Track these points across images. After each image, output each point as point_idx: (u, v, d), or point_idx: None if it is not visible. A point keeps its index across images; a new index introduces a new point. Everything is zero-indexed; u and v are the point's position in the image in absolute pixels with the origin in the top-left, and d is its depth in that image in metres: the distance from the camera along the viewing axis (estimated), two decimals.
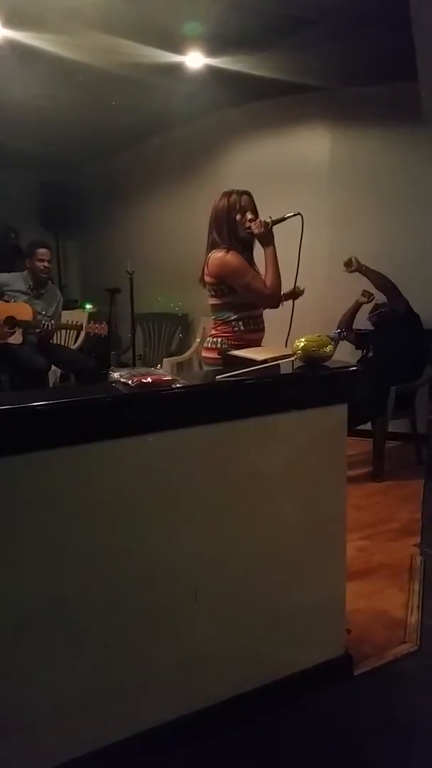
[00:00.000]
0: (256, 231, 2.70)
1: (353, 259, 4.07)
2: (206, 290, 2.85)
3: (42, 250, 4.45)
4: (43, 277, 4.50)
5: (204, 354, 2.93)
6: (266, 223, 2.70)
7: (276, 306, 2.80)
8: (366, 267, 4.06)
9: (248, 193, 2.76)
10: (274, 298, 2.76)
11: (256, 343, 2.84)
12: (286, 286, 2.85)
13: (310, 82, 4.29)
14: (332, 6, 3.15)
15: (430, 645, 2.25)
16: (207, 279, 2.79)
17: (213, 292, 2.80)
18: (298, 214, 2.65)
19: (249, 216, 2.72)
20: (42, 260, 4.44)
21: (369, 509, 3.48)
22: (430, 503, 3.48)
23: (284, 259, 2.76)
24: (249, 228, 2.72)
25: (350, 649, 2.12)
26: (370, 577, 2.73)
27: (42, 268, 4.45)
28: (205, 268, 2.78)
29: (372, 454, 4.02)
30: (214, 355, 2.80)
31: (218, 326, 2.85)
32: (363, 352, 4.29)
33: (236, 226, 2.72)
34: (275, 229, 2.73)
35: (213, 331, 2.89)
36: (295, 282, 2.88)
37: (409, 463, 4.22)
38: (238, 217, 2.72)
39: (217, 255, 2.72)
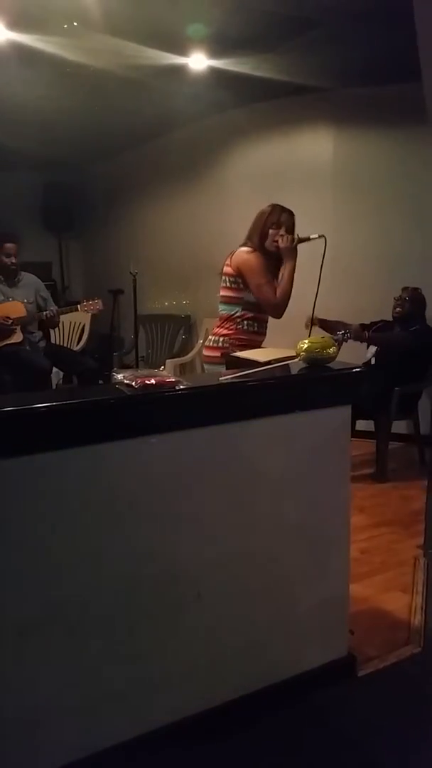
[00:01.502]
0: (281, 245, 2.83)
1: (309, 319, 3.57)
2: (222, 282, 2.92)
3: (7, 245, 4.34)
4: (11, 270, 4.39)
5: (205, 353, 2.95)
6: (292, 239, 2.83)
7: (278, 317, 2.89)
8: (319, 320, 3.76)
9: (291, 213, 2.88)
10: (279, 308, 2.85)
11: (258, 345, 2.86)
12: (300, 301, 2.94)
13: (313, 84, 4.29)
14: (335, 7, 3.15)
15: None
16: (227, 269, 2.89)
17: (230, 284, 2.87)
18: (323, 236, 2.80)
19: (281, 232, 2.84)
20: (9, 255, 4.34)
21: (372, 510, 3.48)
22: None
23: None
24: (276, 241, 2.83)
25: (354, 650, 2.12)
26: (373, 579, 2.72)
27: (9, 263, 4.35)
28: (229, 259, 2.89)
29: (375, 455, 4.01)
30: (216, 353, 2.81)
31: (224, 322, 2.88)
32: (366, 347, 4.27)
33: (266, 236, 2.85)
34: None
35: (216, 329, 2.91)
36: (314, 304, 2.95)
37: (413, 464, 4.21)
38: (272, 229, 2.83)
39: (243, 250, 2.86)
